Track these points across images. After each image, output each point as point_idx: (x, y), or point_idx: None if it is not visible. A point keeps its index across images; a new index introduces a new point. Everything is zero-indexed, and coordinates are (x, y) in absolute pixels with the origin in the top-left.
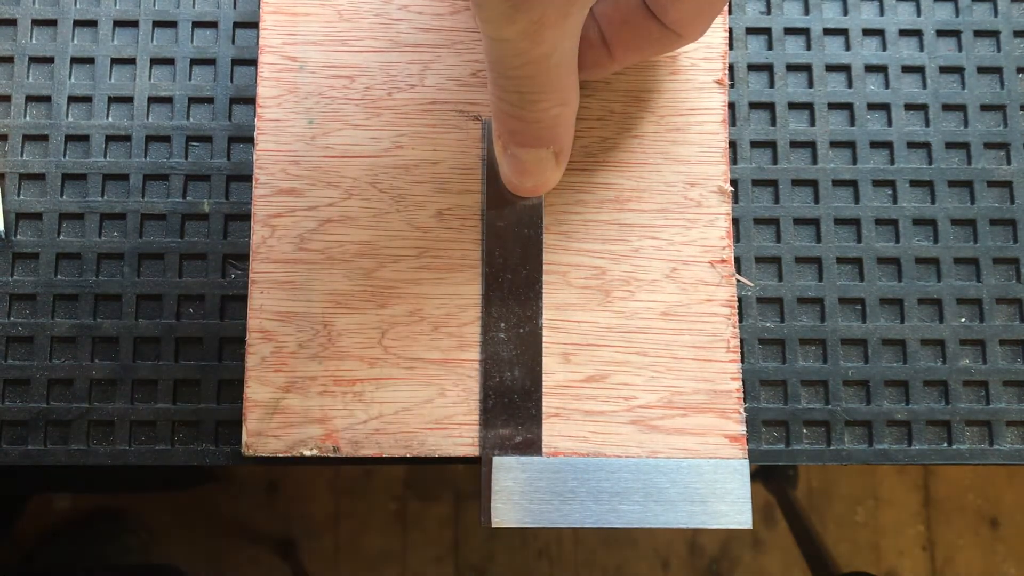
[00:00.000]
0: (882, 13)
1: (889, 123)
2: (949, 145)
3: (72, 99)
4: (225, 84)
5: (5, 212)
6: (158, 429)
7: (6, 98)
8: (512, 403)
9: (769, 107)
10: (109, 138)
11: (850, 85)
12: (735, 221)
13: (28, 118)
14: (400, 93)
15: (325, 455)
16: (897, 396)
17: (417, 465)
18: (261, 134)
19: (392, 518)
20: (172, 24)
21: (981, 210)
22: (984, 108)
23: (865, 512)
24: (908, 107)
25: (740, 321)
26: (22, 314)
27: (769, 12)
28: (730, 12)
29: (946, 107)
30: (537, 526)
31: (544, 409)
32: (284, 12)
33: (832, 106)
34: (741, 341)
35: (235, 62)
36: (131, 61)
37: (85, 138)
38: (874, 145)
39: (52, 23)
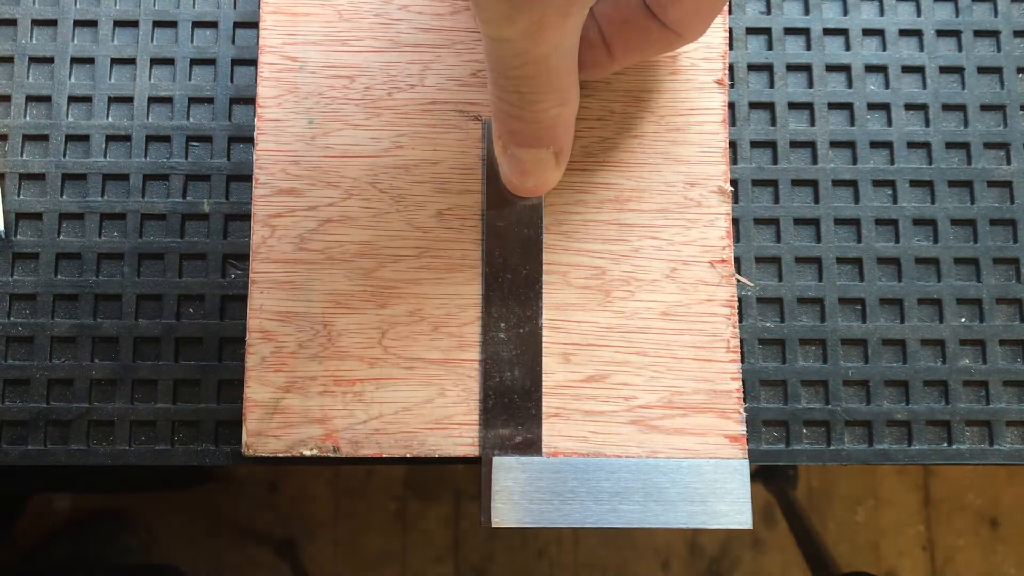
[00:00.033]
0: (882, 13)
1: (889, 123)
2: (949, 145)
3: (72, 99)
4: (225, 84)
5: (5, 212)
6: (158, 429)
7: (6, 98)
8: (512, 403)
9: (769, 107)
10: (109, 138)
11: (850, 85)
12: (735, 221)
13: (28, 118)
14: (400, 93)
15: (325, 455)
16: (897, 396)
17: (417, 465)
18: (261, 134)
19: (392, 518)
20: (172, 24)
21: (981, 210)
22: (984, 108)
23: (865, 512)
24: (908, 107)
25: (740, 321)
26: (22, 314)
27: (769, 12)
28: (730, 12)
29: (946, 107)
30: (537, 526)
31: (544, 409)
32: (284, 12)
33: (832, 106)
34: (741, 341)
35: (235, 62)
36: (131, 61)
37: (85, 138)
38: (874, 145)
39: (52, 23)
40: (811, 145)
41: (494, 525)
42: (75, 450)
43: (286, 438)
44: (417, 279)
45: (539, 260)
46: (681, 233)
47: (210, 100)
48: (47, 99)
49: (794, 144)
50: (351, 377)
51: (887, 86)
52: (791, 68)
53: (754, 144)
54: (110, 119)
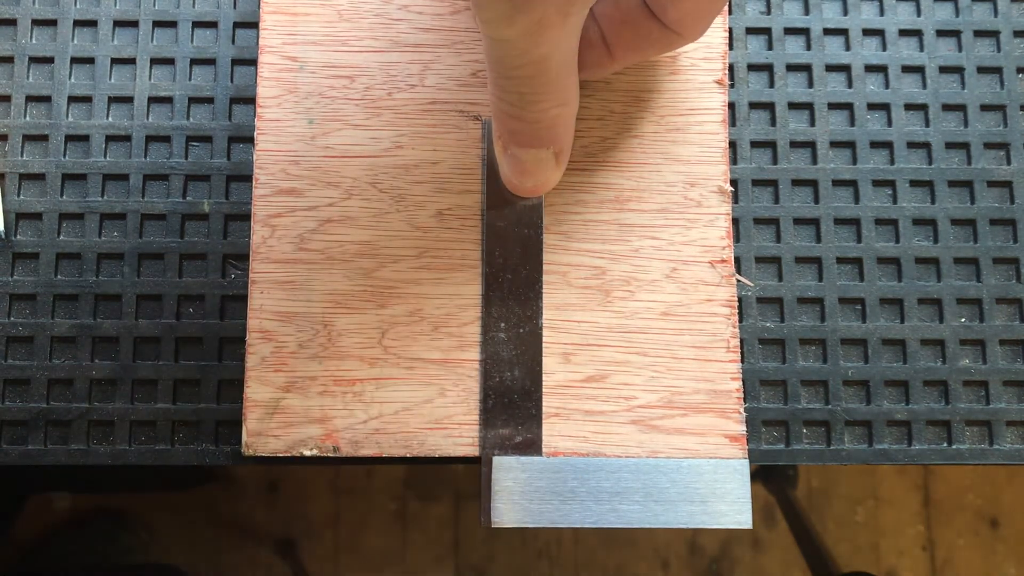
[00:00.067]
0: (882, 13)
1: (889, 123)
2: (949, 145)
3: (72, 99)
4: (225, 84)
5: (5, 212)
6: (158, 429)
7: (6, 98)
8: (512, 403)
9: (769, 107)
10: (109, 138)
11: (850, 85)
12: (735, 221)
13: (28, 118)
14: (400, 93)
15: (325, 455)
16: (897, 396)
17: (417, 465)
18: (261, 134)
19: (392, 518)
20: (172, 24)
21: (981, 210)
22: (984, 108)
23: (865, 512)
24: (908, 107)
25: (740, 321)
26: (22, 314)
27: (769, 12)
28: (730, 12)
29: (946, 107)
30: (537, 526)
31: (544, 409)
32: (284, 12)
33: (832, 106)
34: (741, 341)
35: (235, 62)
36: (131, 61)
37: (85, 138)
38: (874, 145)
39: (52, 23)
40: (811, 145)
41: (494, 525)
42: (75, 450)
43: (286, 438)
44: (417, 279)
45: (539, 260)
46: (681, 233)
47: (210, 100)
48: (47, 99)
49: (794, 144)
50: (351, 377)
51: (887, 86)
52: (791, 68)
53: (754, 144)
54: (110, 119)
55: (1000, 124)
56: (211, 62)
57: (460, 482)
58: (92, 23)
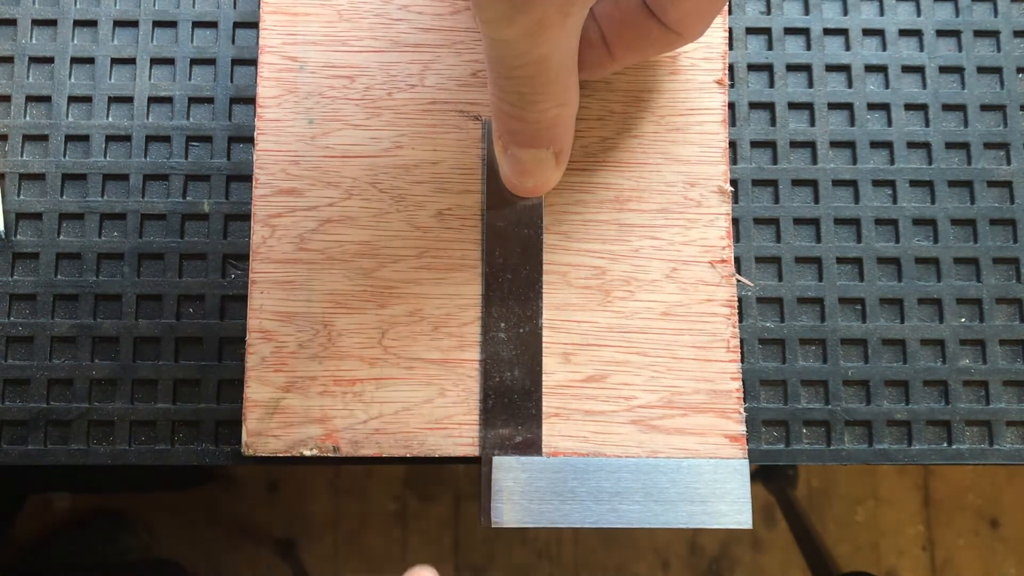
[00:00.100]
0: (882, 13)
1: (889, 123)
2: (949, 145)
3: (72, 99)
4: (225, 84)
5: (5, 212)
6: (158, 429)
7: (6, 98)
8: (512, 403)
9: (769, 107)
10: (109, 138)
11: (850, 85)
12: (735, 221)
13: (28, 118)
14: (400, 93)
15: (325, 455)
16: (897, 396)
17: (417, 465)
18: (261, 134)
19: (392, 518)
20: (172, 24)
21: (981, 210)
22: (984, 108)
23: (865, 512)
24: (908, 107)
25: (740, 321)
26: (22, 314)
27: (769, 12)
28: (730, 12)
29: (946, 107)
30: (537, 526)
31: (544, 409)
32: (284, 12)
33: (832, 106)
34: (741, 341)
35: (235, 62)
36: (131, 61)
37: (85, 138)
38: (874, 145)
39: (52, 23)
40: (811, 145)
41: (494, 525)
42: (75, 450)
43: (286, 438)
44: (417, 279)
45: (539, 260)
46: (681, 233)
47: (210, 100)
48: (47, 99)
49: (794, 144)
50: (351, 377)
51: (887, 86)
52: (791, 68)
53: (754, 144)
54: (110, 119)
55: (1000, 124)
56: (211, 62)
57: (460, 482)
58: (92, 23)
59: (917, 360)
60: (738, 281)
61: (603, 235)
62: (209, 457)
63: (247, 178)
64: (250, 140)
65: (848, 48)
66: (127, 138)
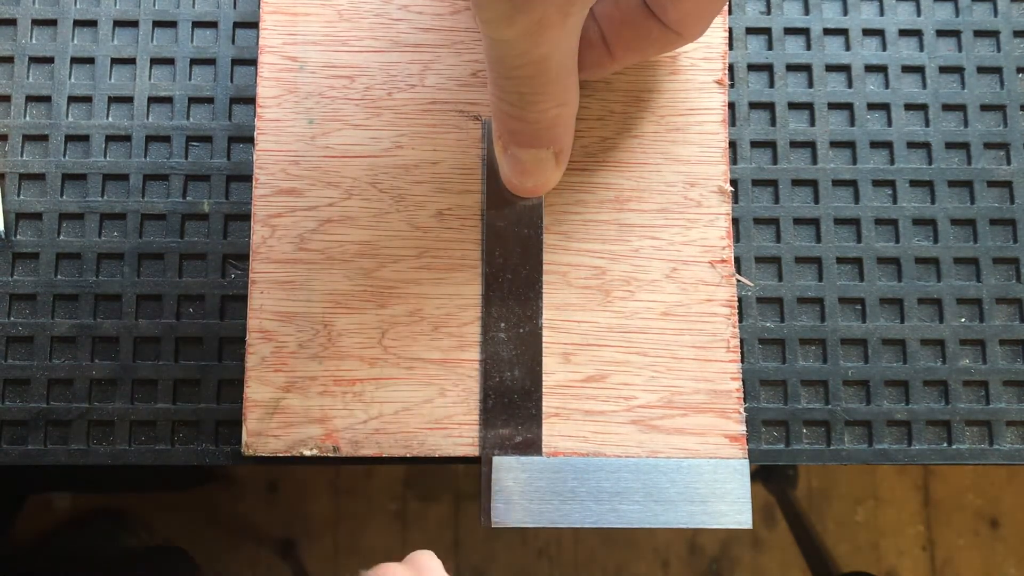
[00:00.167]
0: (882, 13)
1: (889, 123)
2: (949, 145)
3: (72, 99)
4: (225, 84)
5: (5, 212)
6: (158, 429)
7: (6, 98)
8: (512, 403)
9: (769, 107)
10: (109, 138)
11: (850, 85)
12: (735, 221)
13: (28, 118)
14: (400, 93)
15: (325, 455)
16: (897, 396)
17: (417, 465)
18: (261, 134)
19: (392, 518)
20: (172, 24)
21: (981, 210)
22: (984, 108)
23: (865, 512)
24: (908, 107)
25: (740, 321)
26: (22, 314)
27: (769, 12)
28: (730, 12)
29: (946, 107)
30: (537, 526)
31: (544, 409)
32: (284, 12)
33: (832, 106)
34: (741, 341)
35: (235, 62)
36: (131, 61)
37: (85, 138)
38: (874, 145)
39: (52, 23)
40: (811, 145)
41: (494, 525)
42: (75, 450)
43: (286, 438)
44: (417, 279)
45: (539, 260)
46: (681, 233)
47: (210, 100)
48: (47, 99)
49: (794, 144)
50: (351, 377)
51: (887, 86)
52: (791, 68)
53: (754, 144)
54: (110, 119)
55: (1000, 124)
56: (211, 62)
57: (460, 482)
58: (92, 23)
59: (917, 360)
60: (738, 281)
61: (603, 235)
62: (209, 457)
63: (247, 178)
64: (250, 140)
65: (848, 48)
66: (127, 138)
